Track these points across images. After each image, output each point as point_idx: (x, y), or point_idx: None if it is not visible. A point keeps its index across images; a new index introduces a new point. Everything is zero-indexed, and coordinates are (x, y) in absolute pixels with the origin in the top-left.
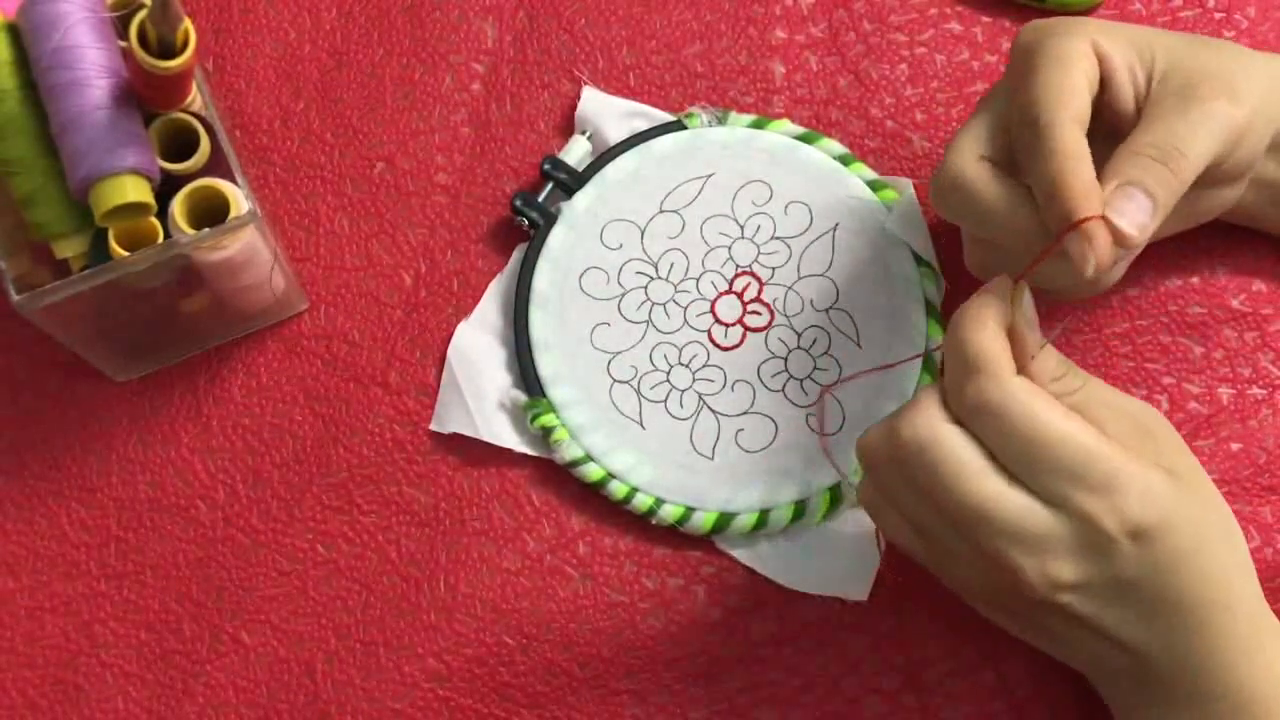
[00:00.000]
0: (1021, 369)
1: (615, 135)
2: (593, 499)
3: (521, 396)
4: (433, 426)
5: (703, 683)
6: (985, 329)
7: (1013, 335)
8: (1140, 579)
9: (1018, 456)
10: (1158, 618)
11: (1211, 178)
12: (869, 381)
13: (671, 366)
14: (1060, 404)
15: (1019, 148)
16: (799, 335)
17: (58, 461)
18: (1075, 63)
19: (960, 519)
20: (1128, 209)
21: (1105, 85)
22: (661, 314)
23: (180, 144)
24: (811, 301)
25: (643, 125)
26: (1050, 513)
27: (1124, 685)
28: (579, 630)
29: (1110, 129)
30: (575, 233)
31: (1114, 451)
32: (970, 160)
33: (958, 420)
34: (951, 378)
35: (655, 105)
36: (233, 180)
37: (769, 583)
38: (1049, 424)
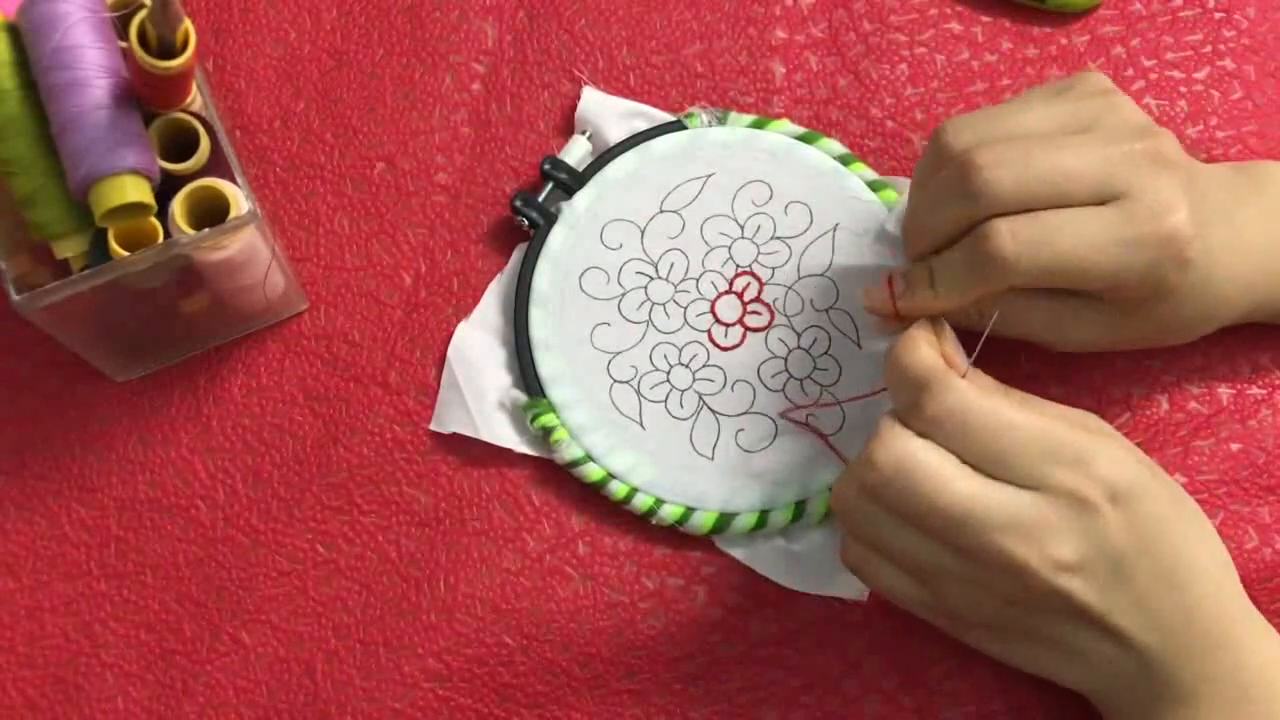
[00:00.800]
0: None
1: (615, 135)
2: (593, 499)
3: (521, 396)
4: (433, 426)
5: (703, 683)
6: (920, 348)
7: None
8: (1130, 549)
9: (988, 451)
10: (1155, 598)
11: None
12: (869, 381)
13: (671, 366)
14: (1008, 397)
15: None
16: (799, 335)
17: (58, 461)
18: None
19: (950, 528)
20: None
21: None
22: (661, 314)
23: (180, 144)
24: (811, 301)
25: (643, 125)
26: (1033, 496)
27: (1123, 690)
28: (579, 630)
29: None
30: (575, 233)
31: (1069, 426)
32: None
33: (923, 436)
34: (905, 402)
35: (655, 105)
36: (233, 180)
37: (769, 583)
38: (1010, 414)
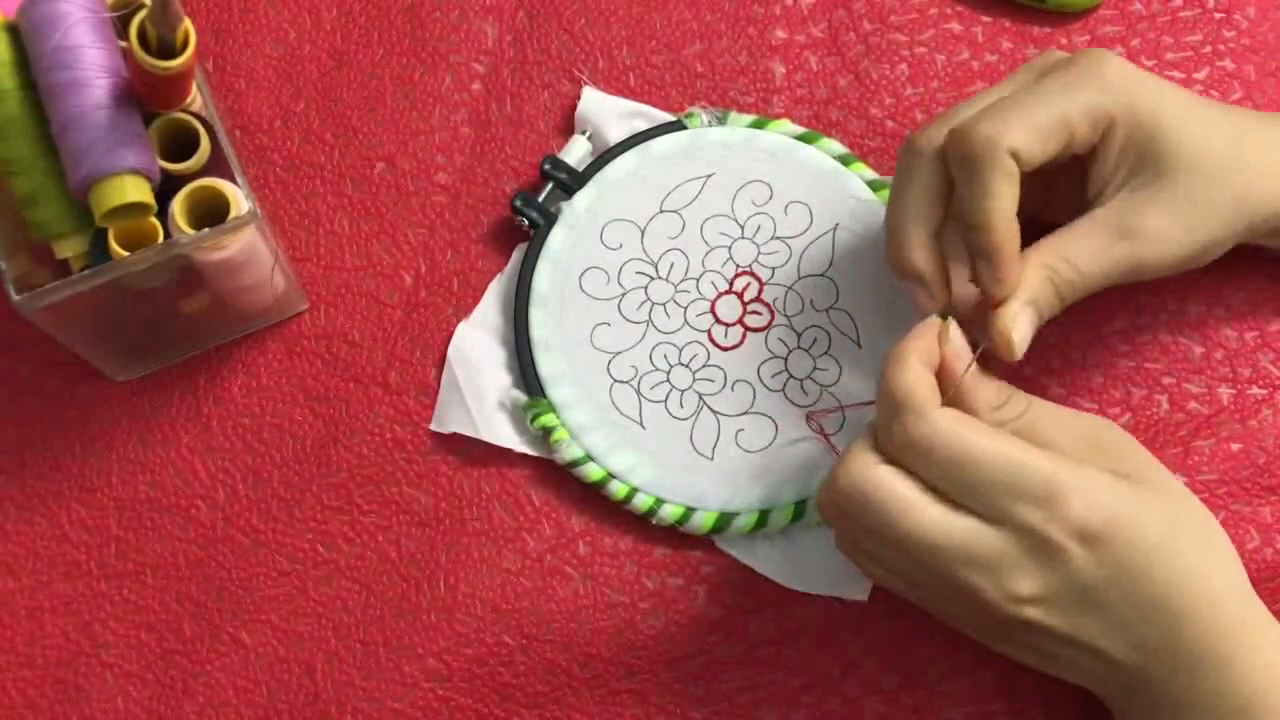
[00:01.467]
0: (956, 400)
1: (615, 135)
2: (593, 499)
3: (521, 396)
4: (433, 426)
5: (703, 683)
6: (907, 368)
7: (944, 370)
8: (1102, 582)
9: (953, 482)
10: (1134, 622)
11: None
12: (867, 380)
13: (671, 366)
14: (988, 426)
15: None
16: (799, 335)
17: (58, 461)
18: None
19: (913, 552)
20: (1020, 327)
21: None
22: (661, 314)
23: (180, 144)
24: (811, 301)
25: (643, 125)
26: (995, 530)
27: (1121, 697)
28: (579, 630)
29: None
30: (575, 233)
31: (1049, 461)
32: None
33: (892, 460)
34: (881, 422)
35: (655, 105)
36: (233, 180)
37: (769, 583)
38: (977, 446)
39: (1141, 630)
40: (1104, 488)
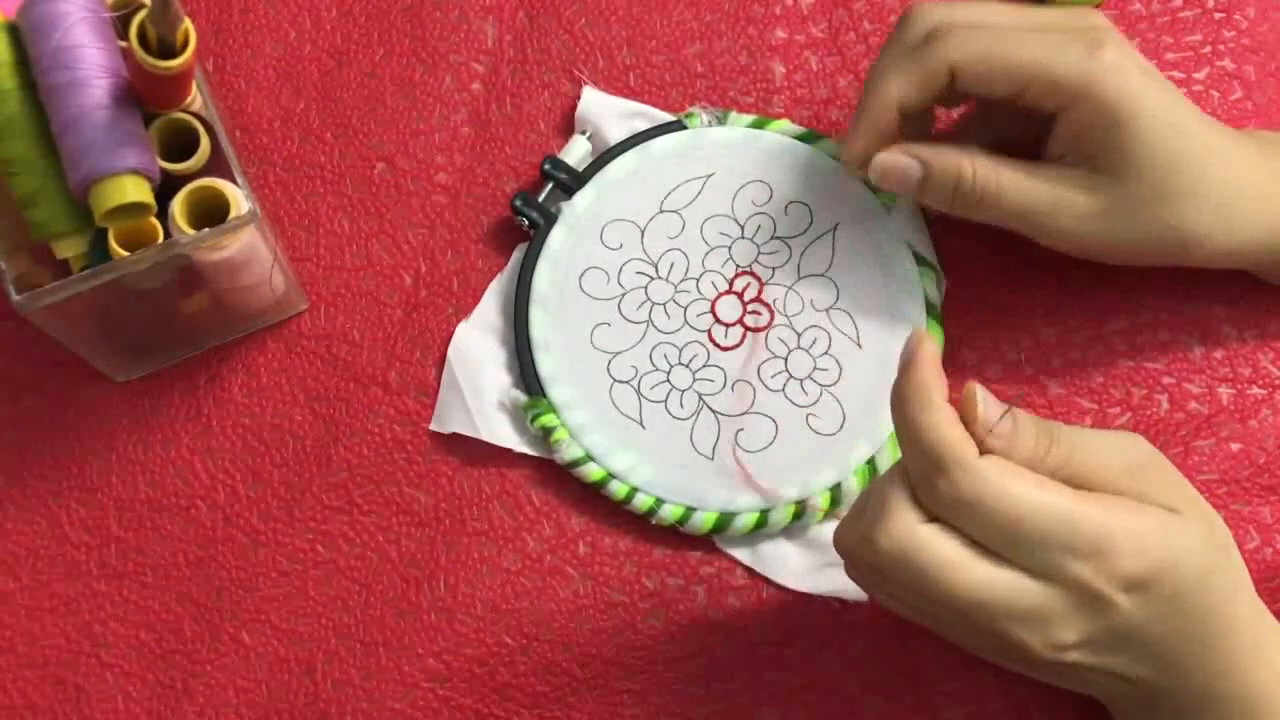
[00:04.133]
0: (982, 441)
1: (615, 135)
2: (593, 499)
3: (521, 396)
4: (433, 426)
5: (703, 683)
6: (936, 413)
7: (967, 411)
8: (1143, 624)
9: (1002, 539)
10: (1164, 652)
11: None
12: (869, 381)
13: (671, 366)
14: (1033, 475)
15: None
16: (799, 335)
17: (58, 461)
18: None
19: (956, 609)
20: (895, 168)
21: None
22: (661, 314)
23: (180, 144)
24: (811, 301)
25: (643, 125)
26: (1043, 585)
27: (1131, 707)
28: (579, 630)
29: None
30: (575, 233)
31: (1096, 510)
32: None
33: (934, 517)
34: (918, 474)
35: (655, 105)
36: (233, 180)
37: (769, 583)
38: (1026, 501)
39: (1170, 657)
40: (1148, 531)
